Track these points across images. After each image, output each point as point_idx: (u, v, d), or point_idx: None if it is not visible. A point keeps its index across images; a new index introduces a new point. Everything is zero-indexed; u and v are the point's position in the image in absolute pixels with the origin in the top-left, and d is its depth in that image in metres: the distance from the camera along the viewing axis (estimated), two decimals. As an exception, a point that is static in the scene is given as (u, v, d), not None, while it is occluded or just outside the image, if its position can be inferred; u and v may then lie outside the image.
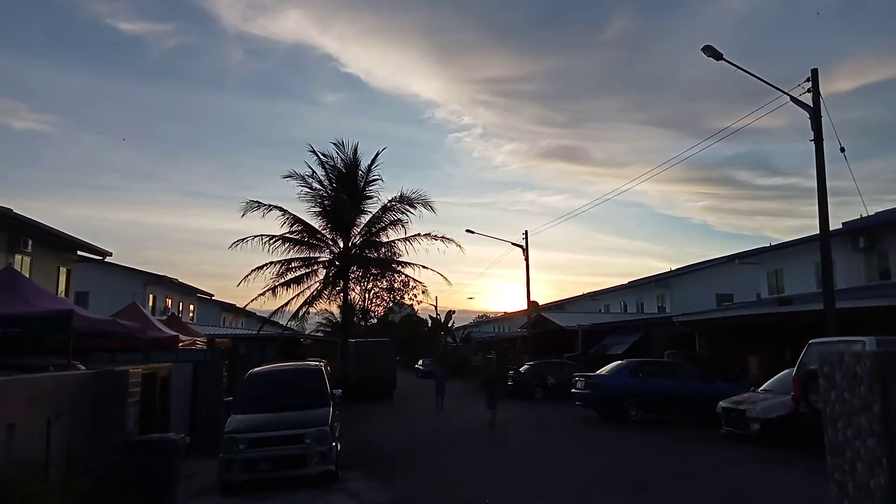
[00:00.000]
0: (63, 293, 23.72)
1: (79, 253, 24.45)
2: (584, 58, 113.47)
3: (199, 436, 11.87)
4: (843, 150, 15.33)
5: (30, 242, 19.86)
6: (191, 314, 44.02)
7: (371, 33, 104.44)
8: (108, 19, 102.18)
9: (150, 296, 36.64)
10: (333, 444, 9.93)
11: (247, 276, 27.19)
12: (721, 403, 14.05)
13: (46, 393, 6.52)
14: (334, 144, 28.25)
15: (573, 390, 19.15)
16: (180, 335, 15.76)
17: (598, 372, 19.19)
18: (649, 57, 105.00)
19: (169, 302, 39.16)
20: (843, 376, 3.39)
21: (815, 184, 15.25)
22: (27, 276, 19.64)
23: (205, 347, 17.92)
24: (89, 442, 7.19)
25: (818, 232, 15.46)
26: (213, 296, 46.58)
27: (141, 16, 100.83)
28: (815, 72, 15.52)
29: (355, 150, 28.31)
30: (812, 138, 15.34)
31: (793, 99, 15.49)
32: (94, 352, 16.20)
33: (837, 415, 3.42)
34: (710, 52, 15.46)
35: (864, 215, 24.41)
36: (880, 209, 22.76)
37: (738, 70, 15.80)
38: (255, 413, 10.13)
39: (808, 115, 15.39)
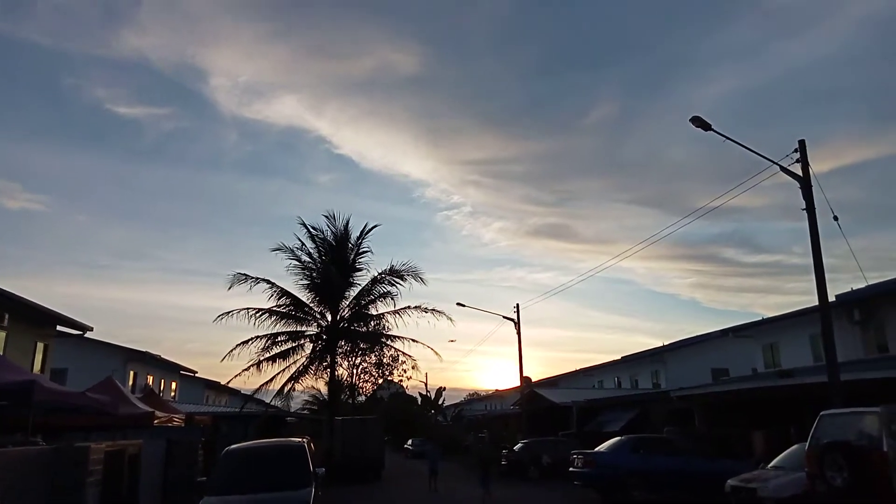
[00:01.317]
0: (39, 369, 22.79)
1: (58, 328, 23.70)
2: (569, 141, 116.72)
3: (170, 520, 10.97)
4: (836, 218, 15.18)
5: (6, 316, 19.21)
6: (172, 392, 42.57)
7: (363, 117, 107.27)
8: (107, 104, 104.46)
9: (131, 372, 35.46)
10: (316, 528, 9.09)
11: (231, 350, 26.46)
12: (730, 482, 13.24)
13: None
14: (325, 217, 28.24)
15: (571, 469, 18.19)
16: (156, 412, 14.92)
17: (597, 449, 18.30)
18: (633, 139, 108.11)
19: (150, 379, 37.87)
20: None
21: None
22: (1, 351, 18.94)
23: (182, 425, 17.01)
24: (42, 527, 6.45)
25: (813, 305, 15.15)
26: (197, 373, 45.21)
27: (140, 100, 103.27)
28: (802, 143, 15.63)
29: (346, 223, 28.25)
30: (804, 208, 15.28)
31: (783, 169, 15.51)
32: (68, 430, 15.33)
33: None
34: (699, 122, 15.60)
35: (856, 288, 24.35)
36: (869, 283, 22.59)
37: (726, 142, 15.87)
38: (230, 494, 9.29)
39: (796, 190, 15.37)
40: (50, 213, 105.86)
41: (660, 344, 45.34)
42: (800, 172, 15.37)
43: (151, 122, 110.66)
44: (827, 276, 14.94)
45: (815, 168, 15.42)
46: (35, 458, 6.80)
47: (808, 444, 11.36)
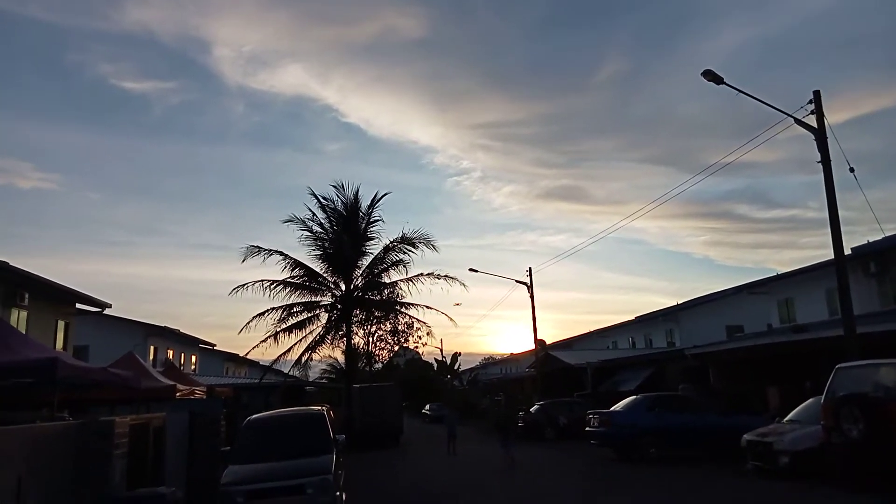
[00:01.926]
0: (61, 346, 23.21)
1: (77, 306, 24.05)
2: (578, 100, 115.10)
3: (196, 489, 11.24)
4: (852, 170, 14.93)
5: (26, 296, 19.50)
6: (193, 365, 43.30)
7: (370, 84, 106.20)
8: (112, 79, 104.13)
9: (152, 347, 36.06)
10: (338, 493, 9.30)
11: (248, 322, 26.81)
12: (746, 436, 13.35)
13: (16, 448, 5.96)
14: (334, 187, 28.21)
15: (587, 429, 18.40)
16: (178, 385, 15.20)
17: (612, 408, 18.47)
18: (643, 96, 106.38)
19: (170, 353, 38.51)
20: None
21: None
22: (24, 330, 19.28)
23: (204, 397, 17.33)
24: (72, 498, 6.63)
25: (829, 259, 15.00)
26: (216, 346, 45.92)
27: (146, 75, 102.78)
28: (817, 94, 15.31)
29: (356, 192, 28.20)
30: (819, 160, 15.03)
31: (797, 121, 15.23)
32: (93, 405, 15.68)
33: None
34: (711, 76, 15.30)
35: (871, 240, 24.08)
36: (886, 234, 22.33)
37: (739, 96, 15.54)
38: (253, 463, 9.51)
39: (811, 143, 15.10)
40: (62, 191, 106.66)
41: (674, 303, 45.37)
42: (815, 124, 15.09)
43: (158, 97, 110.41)
44: (843, 228, 14.78)
45: (830, 119, 15.14)
46: (62, 432, 6.97)
47: (824, 397, 11.40)
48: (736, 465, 13.72)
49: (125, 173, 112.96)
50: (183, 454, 11.42)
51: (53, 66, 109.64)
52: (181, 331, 38.82)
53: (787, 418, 13.52)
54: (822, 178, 14.98)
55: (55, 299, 21.86)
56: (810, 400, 13.18)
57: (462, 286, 28.35)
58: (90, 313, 25.61)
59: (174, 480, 10.09)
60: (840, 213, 14.83)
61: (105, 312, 25.39)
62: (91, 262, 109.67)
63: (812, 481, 11.20)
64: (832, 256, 15.15)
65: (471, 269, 35.37)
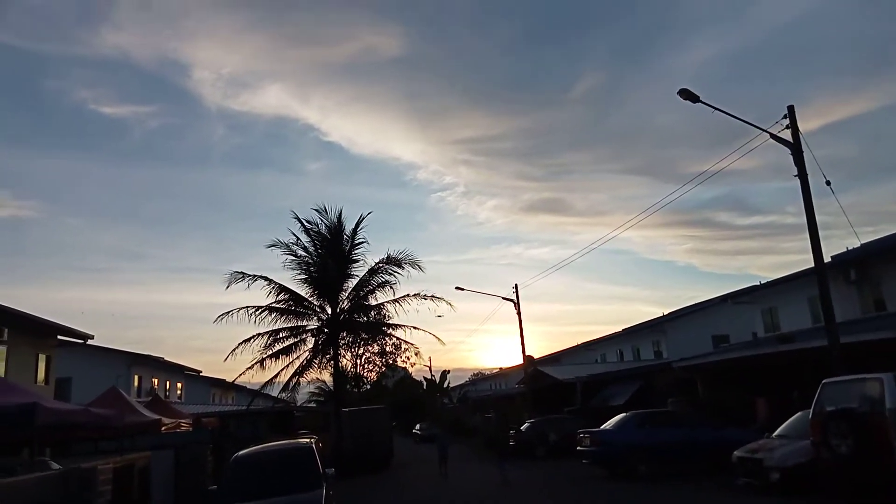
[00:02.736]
0: (43, 380, 22.82)
1: (59, 337, 23.68)
2: (557, 114, 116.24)
3: (184, 529, 11.03)
4: (828, 183, 15.13)
5: (6, 331, 19.21)
6: (178, 392, 42.76)
7: (350, 103, 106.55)
8: (91, 104, 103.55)
9: (136, 377, 35.58)
10: (329, 528, 9.14)
11: (234, 349, 26.47)
12: (736, 453, 13.36)
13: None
14: (317, 211, 28.03)
15: (579, 448, 18.34)
16: (163, 419, 14.97)
17: (602, 427, 18.44)
18: (620, 109, 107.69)
19: (155, 382, 38.00)
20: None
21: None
22: (3, 366, 18.91)
23: (190, 429, 17.06)
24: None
25: (809, 267, 15.17)
26: (201, 372, 45.43)
27: (124, 99, 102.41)
28: (791, 108, 15.54)
29: (339, 215, 28.09)
30: (796, 174, 15.22)
31: (773, 136, 15.44)
32: (75, 441, 15.36)
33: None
34: (687, 95, 15.48)
35: (850, 248, 24.40)
36: (864, 241, 22.66)
37: (715, 112, 15.80)
38: (241, 501, 9.32)
39: (788, 152, 15.30)
40: (41, 218, 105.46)
41: (659, 311, 45.63)
42: (790, 139, 15.30)
43: (137, 121, 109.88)
44: (821, 233, 14.96)
45: (803, 127, 15.37)
46: (46, 483, 6.81)
47: (811, 412, 11.46)
48: (726, 480, 13.73)
49: (105, 198, 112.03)
50: (170, 493, 11.21)
51: (30, 92, 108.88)
52: (165, 359, 38.43)
53: (776, 433, 13.56)
54: (800, 189, 15.18)
55: (35, 333, 21.52)
56: (798, 414, 13.23)
57: (449, 305, 28.27)
58: (73, 344, 25.25)
59: (161, 522, 9.88)
60: (818, 218, 15.03)
61: (88, 343, 25.06)
62: (72, 289, 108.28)
63: (803, 497, 11.22)
64: (812, 262, 15.30)
65: (457, 288, 35.24)
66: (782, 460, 11.89)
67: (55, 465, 8.76)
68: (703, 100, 15.57)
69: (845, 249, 24.57)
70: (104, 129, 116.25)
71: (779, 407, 17.13)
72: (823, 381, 11.49)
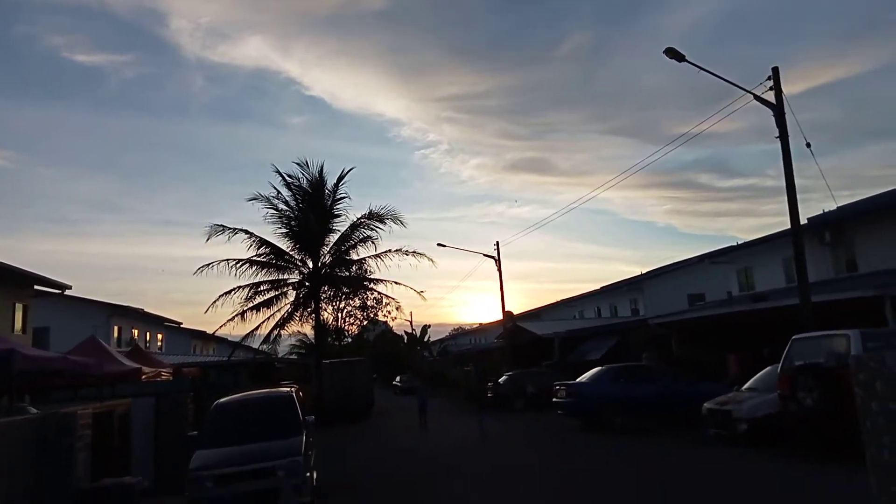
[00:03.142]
0: (20, 329, 22.67)
1: (36, 287, 23.44)
2: (542, 73, 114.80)
3: (165, 475, 11.18)
4: (808, 145, 15.26)
5: (-20, 280, 18.91)
6: (159, 343, 42.75)
7: (333, 56, 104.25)
8: (64, 52, 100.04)
9: (115, 328, 35.46)
10: (308, 474, 9.34)
11: (214, 301, 26.45)
12: (706, 405, 13.77)
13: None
14: (298, 165, 27.68)
15: (555, 399, 18.76)
16: (143, 367, 14.96)
17: (578, 380, 18.84)
18: (606, 69, 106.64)
19: (135, 333, 37.92)
20: (887, 384, 2.92)
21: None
22: (-21, 314, 18.74)
23: (170, 378, 17.11)
24: (36, 494, 6.54)
25: (786, 228, 15.37)
26: (182, 324, 45.36)
27: (98, 47, 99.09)
28: (776, 70, 15.50)
29: (321, 169, 27.78)
30: (777, 135, 15.30)
31: (756, 97, 15.43)
32: (55, 389, 15.36)
33: (882, 429, 2.94)
34: (673, 53, 15.36)
35: (827, 210, 24.75)
36: (840, 204, 22.94)
37: (700, 72, 15.67)
38: (222, 447, 9.47)
39: (770, 114, 15.33)
40: (15, 168, 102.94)
41: (638, 271, 46.14)
42: (773, 100, 15.32)
43: (113, 70, 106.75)
44: (799, 196, 15.13)
45: (787, 90, 15.39)
46: (22, 426, 6.83)
47: (780, 366, 11.80)
48: (697, 432, 14.18)
49: (81, 149, 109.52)
50: (150, 440, 11.32)
51: (1, 38, 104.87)
52: (145, 310, 38.20)
53: (745, 387, 13.97)
54: (780, 151, 15.30)
55: (12, 282, 21.29)
56: (768, 368, 13.62)
57: (430, 261, 28.35)
58: (50, 294, 25.02)
59: (141, 467, 10.01)
60: (797, 182, 15.19)
61: (66, 293, 24.85)
62: (49, 240, 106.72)
63: (769, 448, 11.65)
64: (789, 225, 15.53)
65: (439, 244, 35.46)
66: (750, 412, 12.28)
67: (33, 410, 8.77)
68: (688, 59, 15.48)
69: (822, 212, 24.94)
70: (79, 77, 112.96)
71: (750, 363, 17.57)
72: (793, 338, 11.81)
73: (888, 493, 3.03)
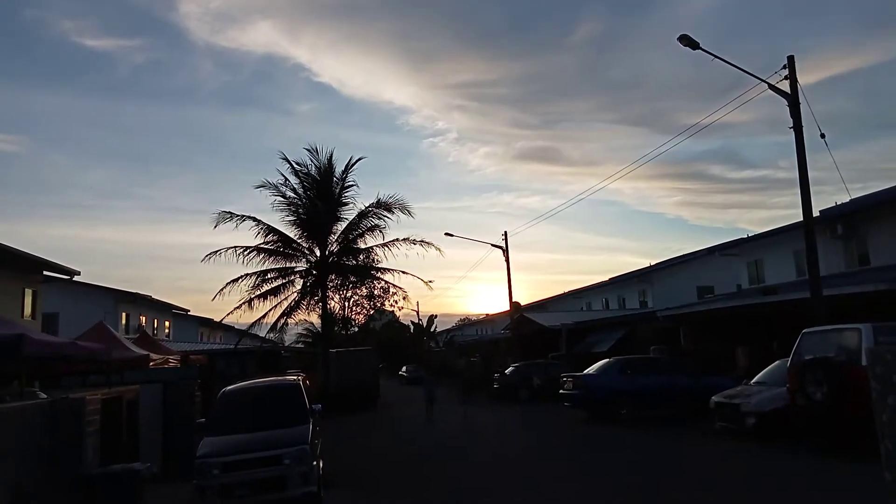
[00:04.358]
0: (30, 315, 22.82)
1: (45, 273, 23.57)
2: (554, 60, 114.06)
3: (173, 461, 11.24)
4: (823, 136, 15.07)
5: (-9, 265, 19.02)
6: (166, 330, 42.98)
7: (342, 42, 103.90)
8: (74, 36, 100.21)
9: (123, 314, 35.65)
10: (315, 463, 9.35)
11: (221, 289, 26.54)
12: (714, 398, 13.70)
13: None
14: (308, 151, 27.65)
15: (561, 391, 18.74)
16: (151, 354, 15.04)
17: (585, 371, 18.80)
18: (618, 57, 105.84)
19: (143, 320, 38.12)
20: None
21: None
22: (-11, 299, 18.86)
23: (178, 366, 17.20)
24: (44, 478, 6.56)
25: (797, 220, 15.22)
26: (189, 311, 45.62)
27: (108, 32, 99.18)
28: (791, 59, 15.29)
29: (330, 157, 27.72)
30: (791, 126, 15.11)
31: (771, 86, 15.24)
32: (64, 374, 15.48)
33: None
34: (687, 41, 15.19)
35: (839, 202, 24.51)
36: (854, 197, 22.72)
37: (714, 61, 15.47)
38: (229, 434, 9.50)
39: (783, 104, 15.14)
40: (25, 153, 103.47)
41: (647, 263, 45.98)
42: (788, 89, 15.12)
43: (123, 55, 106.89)
44: (812, 189, 14.97)
45: (801, 80, 15.18)
46: (32, 411, 6.85)
47: (790, 360, 11.70)
48: (705, 425, 14.11)
49: (91, 135, 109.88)
50: (158, 426, 11.37)
51: (10, 22, 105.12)
52: (153, 297, 38.41)
53: (754, 380, 13.88)
54: (794, 141, 15.12)
55: (21, 268, 21.39)
56: (777, 362, 13.52)
57: (438, 251, 28.31)
58: (59, 280, 25.19)
59: (149, 453, 10.06)
60: (810, 174, 15.02)
61: (75, 279, 25.00)
62: (58, 227, 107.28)
63: (777, 442, 11.57)
64: (801, 217, 15.38)
65: (447, 234, 35.51)
66: (759, 406, 12.20)
67: (43, 395, 8.83)
68: (702, 47, 15.29)
69: (834, 204, 24.70)
70: (89, 62, 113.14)
71: (759, 356, 17.48)
72: (803, 331, 11.70)
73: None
